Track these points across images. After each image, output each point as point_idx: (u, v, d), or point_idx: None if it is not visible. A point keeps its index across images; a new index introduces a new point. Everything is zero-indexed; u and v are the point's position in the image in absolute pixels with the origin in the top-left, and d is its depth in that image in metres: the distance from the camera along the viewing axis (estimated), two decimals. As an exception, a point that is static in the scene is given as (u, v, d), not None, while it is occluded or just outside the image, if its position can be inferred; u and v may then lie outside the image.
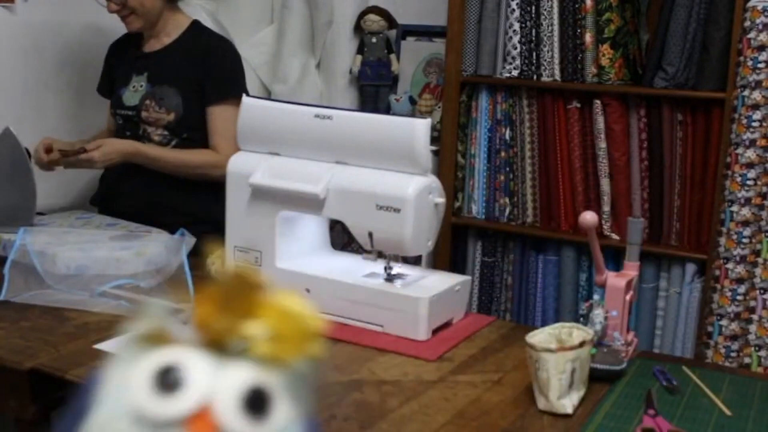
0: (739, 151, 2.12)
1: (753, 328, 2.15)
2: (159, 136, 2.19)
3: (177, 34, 2.23)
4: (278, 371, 0.52)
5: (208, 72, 2.18)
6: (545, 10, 2.45)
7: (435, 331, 1.55)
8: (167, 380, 0.49)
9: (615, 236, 2.44)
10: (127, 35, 2.33)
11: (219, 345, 0.52)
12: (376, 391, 1.31)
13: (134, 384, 0.50)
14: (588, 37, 2.40)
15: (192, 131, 2.19)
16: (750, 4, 2.09)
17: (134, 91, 2.21)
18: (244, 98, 1.72)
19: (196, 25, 2.27)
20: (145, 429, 0.49)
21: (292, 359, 0.52)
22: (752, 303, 2.14)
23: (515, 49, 2.51)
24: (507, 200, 2.60)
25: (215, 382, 0.50)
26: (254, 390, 0.50)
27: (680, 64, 2.28)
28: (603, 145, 2.41)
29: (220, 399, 0.49)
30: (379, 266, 1.62)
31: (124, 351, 0.53)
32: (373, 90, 2.83)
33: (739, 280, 2.14)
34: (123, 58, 2.30)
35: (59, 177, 2.54)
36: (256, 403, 0.50)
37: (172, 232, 1.81)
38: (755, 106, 2.09)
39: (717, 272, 2.18)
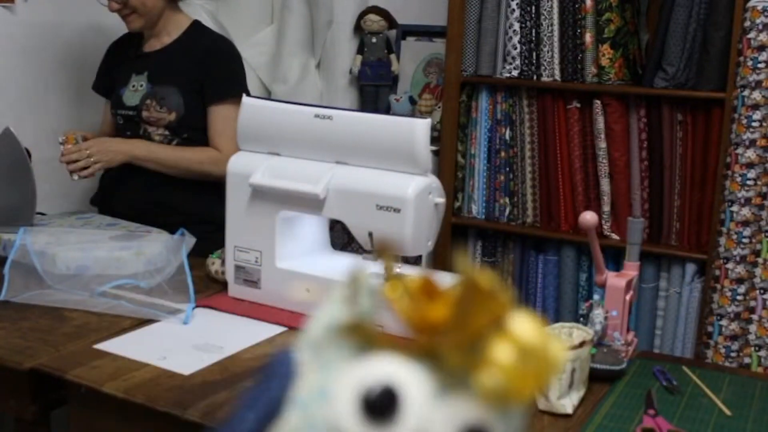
0: (739, 151, 2.12)
1: (753, 328, 2.15)
2: (160, 136, 2.19)
3: (177, 34, 2.23)
4: (499, 412, 0.42)
5: (208, 71, 2.18)
6: (545, 10, 2.45)
7: (435, 331, 1.55)
8: (380, 403, 0.41)
9: (615, 236, 2.44)
10: (128, 35, 2.33)
11: (440, 361, 0.42)
12: (376, 391, 1.31)
13: (338, 398, 0.42)
14: (588, 37, 2.40)
15: (193, 131, 2.19)
16: (750, 5, 2.09)
17: (134, 91, 2.21)
18: (244, 98, 1.72)
19: (196, 25, 2.27)
20: None
21: (520, 400, 0.42)
22: (752, 303, 2.14)
23: (515, 49, 2.51)
24: (507, 200, 2.60)
25: (432, 414, 0.41)
26: (473, 430, 0.42)
27: (680, 64, 2.28)
28: (603, 145, 2.41)
29: None
30: (379, 266, 1.62)
31: (324, 344, 0.44)
32: (373, 90, 2.83)
33: (739, 280, 2.15)
34: (122, 58, 2.30)
35: (59, 177, 2.54)
36: None
37: (172, 232, 1.81)
38: (755, 106, 2.09)
39: (717, 272, 2.18)
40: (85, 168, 2.09)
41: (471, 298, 0.42)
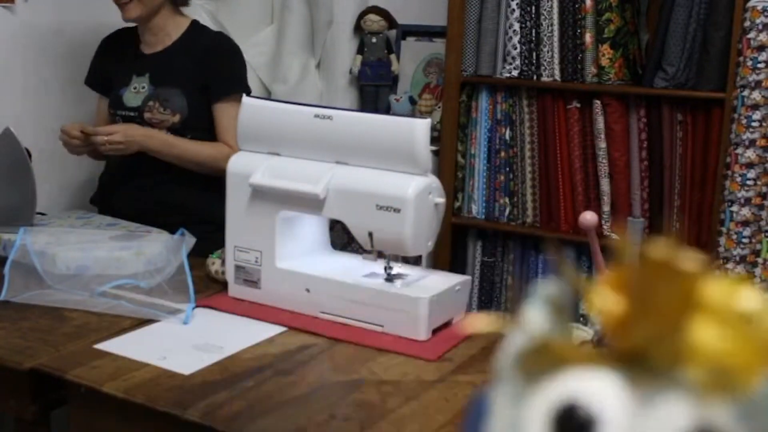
0: (739, 151, 2.12)
1: (753, 328, 2.15)
2: None
3: (177, 35, 2.23)
4: (730, 402, 0.35)
5: (211, 69, 2.18)
6: (545, 10, 2.45)
7: (435, 331, 1.55)
8: (572, 427, 0.36)
9: (615, 236, 2.44)
10: (122, 32, 2.32)
11: (638, 362, 0.37)
12: (376, 391, 1.31)
13: (529, 429, 0.37)
14: (588, 37, 2.40)
15: (196, 132, 2.19)
16: (750, 5, 2.09)
17: (136, 93, 2.21)
18: (244, 98, 1.72)
19: (195, 24, 2.27)
20: None
21: (746, 383, 0.35)
22: (752, 303, 2.14)
23: (515, 49, 2.51)
24: (507, 200, 2.60)
25: (639, 425, 0.35)
26: None
27: (680, 64, 2.28)
28: (603, 145, 2.41)
29: None
30: (379, 266, 1.62)
31: (511, 374, 0.39)
32: (373, 90, 2.83)
33: (739, 280, 2.14)
34: (120, 57, 2.29)
35: (59, 177, 2.54)
36: None
37: (172, 232, 1.81)
38: (755, 106, 2.09)
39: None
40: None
41: (652, 280, 0.36)
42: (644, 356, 0.36)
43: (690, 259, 0.36)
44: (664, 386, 0.36)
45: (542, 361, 0.38)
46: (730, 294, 0.36)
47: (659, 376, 0.36)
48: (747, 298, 0.36)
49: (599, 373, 0.37)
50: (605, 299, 0.37)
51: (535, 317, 0.39)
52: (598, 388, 0.36)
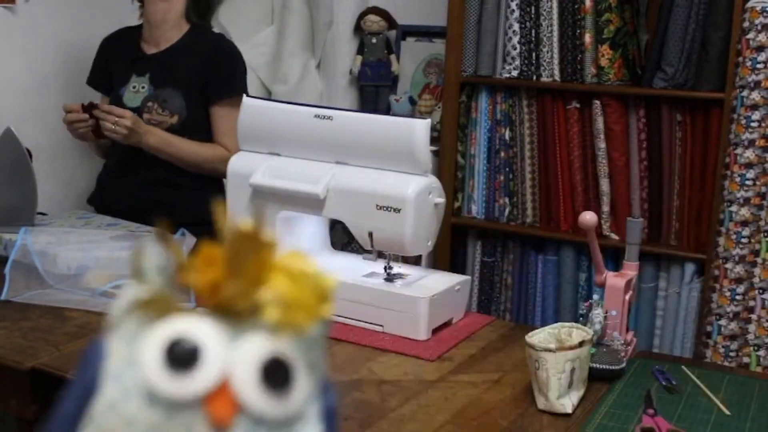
0: (738, 151, 2.12)
1: (752, 327, 2.15)
2: None
3: (178, 37, 2.24)
4: (293, 338, 0.48)
5: (210, 71, 2.19)
6: (545, 10, 2.46)
7: (435, 331, 1.56)
8: (181, 354, 0.46)
9: (614, 236, 2.44)
10: (123, 32, 2.33)
11: (228, 312, 0.48)
12: (376, 391, 1.31)
13: (145, 360, 0.46)
14: (587, 38, 2.41)
15: (194, 134, 2.19)
16: (749, 5, 2.10)
17: (135, 93, 2.21)
18: (245, 98, 1.72)
19: (195, 26, 2.28)
20: (160, 409, 0.45)
21: (306, 324, 0.48)
22: (751, 303, 2.15)
23: (515, 49, 2.51)
24: (507, 200, 2.61)
25: (232, 354, 0.46)
26: (273, 360, 0.47)
27: (679, 64, 2.28)
28: (602, 145, 2.42)
29: (239, 372, 0.46)
30: (379, 266, 1.63)
31: (126, 320, 0.48)
32: (373, 90, 2.84)
33: (738, 280, 2.15)
34: (121, 56, 2.29)
35: (60, 177, 2.55)
36: (277, 374, 0.46)
37: (173, 232, 1.81)
38: (754, 107, 2.09)
39: (716, 272, 2.18)
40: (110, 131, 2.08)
41: (240, 250, 0.48)
42: (232, 308, 0.47)
43: (268, 233, 0.48)
44: (249, 327, 0.47)
45: (153, 310, 0.48)
46: (294, 261, 0.49)
47: (244, 321, 0.47)
48: (306, 263, 0.49)
49: (198, 318, 0.48)
50: (199, 269, 0.48)
51: (148, 276, 0.49)
52: (198, 327, 0.47)
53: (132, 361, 0.47)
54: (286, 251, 0.49)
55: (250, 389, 0.45)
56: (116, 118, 2.06)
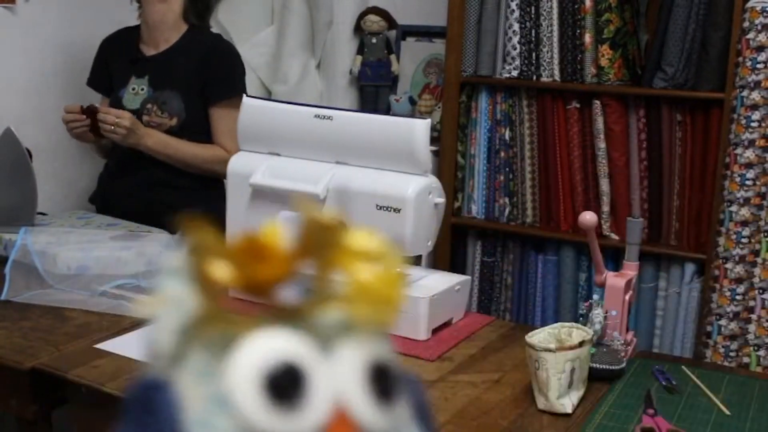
0: (738, 151, 2.12)
1: (752, 327, 2.15)
2: None
3: (176, 38, 2.24)
4: (379, 333, 0.40)
5: (209, 72, 2.19)
6: (545, 10, 2.46)
7: (435, 331, 1.55)
8: (283, 383, 0.37)
9: (614, 236, 2.44)
10: (122, 33, 2.33)
11: (295, 316, 0.39)
12: (376, 391, 1.31)
13: (238, 397, 0.36)
14: (587, 38, 2.41)
15: (194, 135, 2.19)
16: (749, 5, 2.09)
17: (135, 94, 2.22)
18: (245, 98, 1.72)
19: (193, 27, 2.28)
20: None
21: (391, 317, 0.40)
22: (751, 303, 2.15)
23: (515, 49, 2.51)
24: (507, 200, 2.61)
25: (333, 370, 0.38)
26: (375, 367, 0.39)
27: (679, 64, 2.28)
28: (602, 145, 2.42)
29: (350, 391, 0.38)
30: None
31: (189, 351, 0.38)
32: (373, 90, 2.84)
33: (738, 280, 2.15)
34: (120, 57, 2.29)
35: (60, 177, 2.55)
36: (383, 381, 0.39)
37: (173, 232, 1.81)
38: (754, 107, 2.09)
39: (716, 272, 2.18)
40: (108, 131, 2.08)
41: (313, 237, 0.39)
42: (302, 312, 0.38)
43: (337, 215, 0.39)
44: (332, 332, 0.38)
45: (215, 330, 0.38)
46: (364, 243, 0.40)
47: (321, 325, 0.38)
48: (375, 244, 0.40)
49: (279, 331, 0.38)
50: (246, 264, 0.38)
51: (177, 291, 0.38)
52: (287, 343, 0.37)
53: (221, 401, 0.37)
54: (353, 234, 0.41)
55: (365, 408, 0.38)
56: (115, 119, 2.06)
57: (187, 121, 2.18)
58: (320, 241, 0.39)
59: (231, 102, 2.14)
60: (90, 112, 2.09)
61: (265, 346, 0.38)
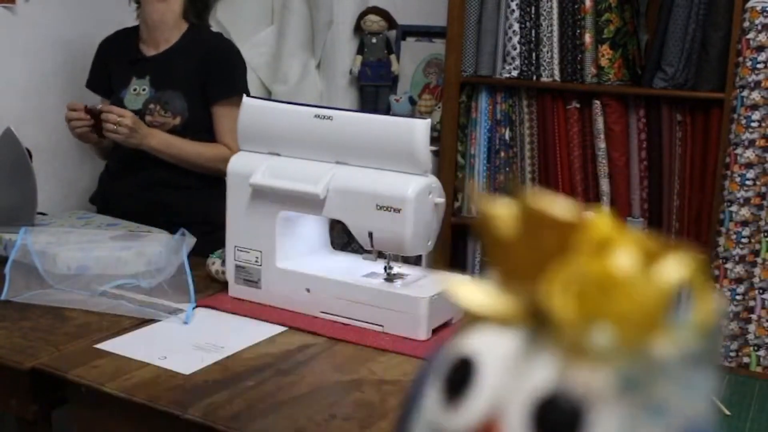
0: (738, 151, 2.12)
1: (752, 327, 2.15)
2: None
3: (177, 38, 2.24)
4: (621, 364, 0.33)
5: (211, 71, 2.19)
6: (545, 10, 2.46)
7: (435, 331, 1.55)
8: (455, 379, 0.37)
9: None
10: (120, 34, 2.33)
11: (543, 319, 0.35)
12: (376, 391, 1.31)
13: (432, 387, 0.38)
14: (587, 38, 2.41)
15: (197, 134, 2.19)
16: (749, 5, 2.10)
17: (136, 95, 2.21)
18: (245, 98, 1.72)
19: (193, 26, 2.28)
20: None
21: (643, 342, 0.33)
22: (751, 303, 2.15)
23: (515, 49, 2.51)
24: (507, 200, 2.61)
25: (512, 382, 0.35)
26: (552, 400, 0.34)
27: (679, 64, 2.28)
28: (602, 145, 2.42)
29: (511, 411, 0.34)
30: (379, 266, 1.62)
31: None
32: (373, 90, 2.84)
33: (738, 280, 2.15)
34: (119, 59, 2.29)
35: (60, 177, 2.55)
36: (555, 418, 0.34)
37: (173, 232, 1.81)
38: (754, 107, 2.09)
39: (716, 272, 2.18)
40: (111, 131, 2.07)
41: (540, 231, 0.34)
42: (544, 314, 0.35)
43: (570, 207, 0.34)
44: (546, 344, 0.35)
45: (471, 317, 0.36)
46: (624, 239, 0.34)
47: (554, 334, 0.35)
48: (645, 244, 0.34)
49: (497, 330, 0.36)
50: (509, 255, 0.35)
51: (475, 293, 0.37)
52: (486, 343, 0.36)
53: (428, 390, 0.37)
54: (592, 221, 0.34)
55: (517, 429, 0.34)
56: (117, 118, 2.06)
57: (190, 120, 2.17)
58: (555, 233, 0.34)
59: (233, 100, 2.14)
60: (93, 113, 2.09)
61: (466, 341, 0.37)
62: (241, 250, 1.68)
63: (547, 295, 0.34)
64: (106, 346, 1.43)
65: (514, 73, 2.52)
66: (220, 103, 2.19)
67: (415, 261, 2.10)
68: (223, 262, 1.73)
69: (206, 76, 2.18)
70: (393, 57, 2.83)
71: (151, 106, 2.18)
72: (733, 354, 2.17)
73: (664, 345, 0.32)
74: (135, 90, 2.22)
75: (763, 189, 2.12)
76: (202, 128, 2.19)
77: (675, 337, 0.33)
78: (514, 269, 0.36)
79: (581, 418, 0.33)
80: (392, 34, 2.85)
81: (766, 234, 2.13)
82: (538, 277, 0.35)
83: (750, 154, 2.11)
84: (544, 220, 0.35)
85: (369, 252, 1.60)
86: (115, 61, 2.29)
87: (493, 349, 0.36)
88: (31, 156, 2.01)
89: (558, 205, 0.35)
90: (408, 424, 0.39)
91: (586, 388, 0.33)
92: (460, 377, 0.36)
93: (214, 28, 2.44)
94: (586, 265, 0.33)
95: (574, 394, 0.33)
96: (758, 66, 2.08)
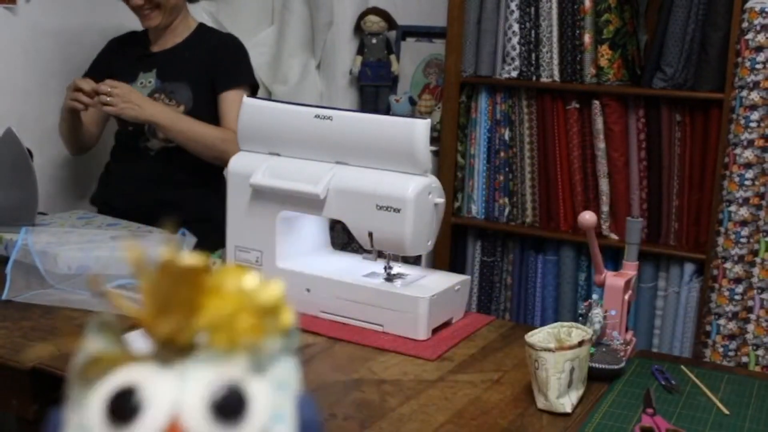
0: (737, 151, 2.13)
1: (751, 327, 2.15)
2: None
3: (186, 35, 2.26)
4: (246, 358, 0.46)
5: (219, 63, 2.22)
6: (544, 11, 2.46)
7: (435, 331, 1.56)
8: (121, 407, 0.44)
9: (614, 236, 2.45)
10: (131, 35, 2.35)
11: (174, 348, 0.46)
12: (376, 391, 1.32)
13: (90, 422, 0.45)
14: (587, 38, 2.41)
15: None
16: (748, 5, 2.10)
17: (142, 87, 2.23)
18: (245, 98, 1.73)
19: (202, 26, 2.32)
20: None
21: (257, 341, 0.47)
22: (750, 302, 2.15)
23: (514, 50, 2.51)
24: (506, 200, 2.61)
25: (178, 393, 0.45)
26: (223, 389, 0.45)
27: (679, 64, 2.29)
28: (602, 145, 2.42)
29: (187, 411, 0.44)
30: (379, 266, 1.63)
31: (75, 385, 0.47)
32: (373, 90, 2.84)
33: (737, 280, 2.15)
34: (126, 56, 2.31)
35: (61, 177, 2.55)
36: (229, 402, 0.45)
37: (175, 231, 1.81)
38: (753, 107, 2.10)
39: (715, 272, 2.19)
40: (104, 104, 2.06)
41: (169, 283, 0.46)
42: (173, 342, 0.46)
43: (190, 258, 0.46)
44: (195, 360, 0.46)
45: (96, 369, 0.46)
46: (231, 279, 0.47)
47: (190, 354, 0.46)
48: (245, 279, 0.47)
49: (139, 364, 0.46)
50: (131, 307, 0.47)
51: (92, 340, 0.47)
52: (138, 374, 0.45)
53: (82, 427, 0.46)
54: (221, 272, 0.48)
55: (200, 425, 0.44)
56: (108, 89, 2.04)
57: (194, 109, 2.19)
58: (175, 286, 0.46)
59: (240, 88, 2.17)
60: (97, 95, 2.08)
61: (116, 377, 0.46)
62: (241, 250, 1.69)
63: (175, 325, 0.46)
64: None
65: (514, 74, 2.52)
66: (227, 91, 2.20)
67: (415, 261, 2.10)
68: (224, 262, 1.73)
69: (214, 68, 2.21)
70: (393, 57, 2.84)
71: (156, 95, 2.20)
72: (732, 353, 2.18)
73: (269, 344, 0.47)
74: (141, 83, 2.24)
75: (762, 189, 2.12)
76: (205, 118, 2.20)
77: (272, 338, 0.47)
78: (156, 306, 0.47)
79: (245, 394, 0.45)
80: (392, 34, 2.86)
81: (764, 234, 2.13)
82: (174, 311, 0.46)
83: (749, 154, 2.11)
84: (178, 269, 0.46)
85: (369, 252, 1.61)
86: (122, 58, 2.31)
87: (147, 377, 0.45)
88: (31, 156, 2.02)
89: (188, 258, 0.46)
90: None
91: (236, 375, 0.45)
92: (126, 404, 0.44)
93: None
94: (204, 300, 0.47)
95: (232, 380, 0.45)
96: (757, 66, 2.08)
